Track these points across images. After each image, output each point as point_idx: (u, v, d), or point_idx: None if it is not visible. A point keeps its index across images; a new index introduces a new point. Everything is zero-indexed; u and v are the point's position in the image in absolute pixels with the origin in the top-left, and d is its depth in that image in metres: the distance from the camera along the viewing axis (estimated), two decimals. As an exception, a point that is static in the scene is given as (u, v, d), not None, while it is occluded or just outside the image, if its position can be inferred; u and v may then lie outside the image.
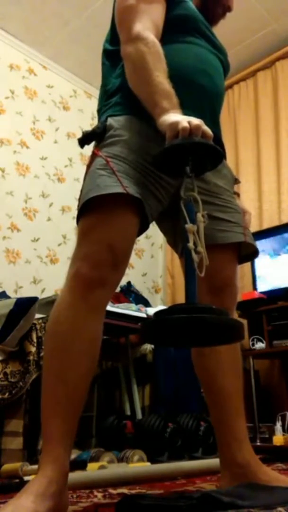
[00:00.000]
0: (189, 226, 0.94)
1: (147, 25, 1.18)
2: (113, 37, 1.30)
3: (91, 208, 1.09)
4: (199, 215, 0.96)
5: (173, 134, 0.98)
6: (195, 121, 0.97)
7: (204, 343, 1.03)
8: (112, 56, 1.29)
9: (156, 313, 0.93)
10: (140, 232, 1.14)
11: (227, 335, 0.92)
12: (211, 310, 0.89)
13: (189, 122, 0.96)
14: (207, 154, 0.99)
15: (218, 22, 1.45)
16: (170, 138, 0.98)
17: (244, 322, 2.87)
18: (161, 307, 3.34)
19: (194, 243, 0.93)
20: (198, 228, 0.95)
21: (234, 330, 0.90)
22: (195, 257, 0.92)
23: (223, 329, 0.89)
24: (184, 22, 1.28)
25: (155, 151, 1.03)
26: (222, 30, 1.46)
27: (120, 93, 1.22)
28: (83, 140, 1.19)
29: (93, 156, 1.16)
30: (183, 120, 0.97)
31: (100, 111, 1.27)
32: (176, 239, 1.30)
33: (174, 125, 0.98)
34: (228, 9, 1.43)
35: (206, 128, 0.98)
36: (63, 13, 3.37)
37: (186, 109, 1.06)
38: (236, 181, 1.37)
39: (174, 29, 1.25)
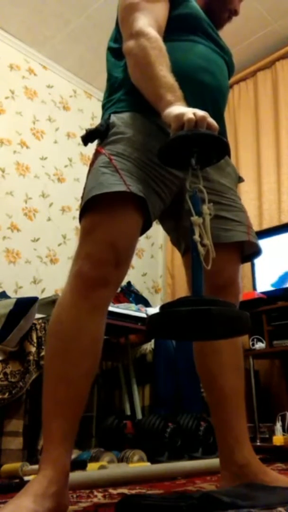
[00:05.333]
0: (194, 218, 0.94)
1: (149, 22, 1.18)
2: (118, 36, 1.30)
3: (94, 207, 1.09)
4: (204, 207, 0.96)
5: (178, 125, 0.97)
6: (200, 112, 0.97)
7: (211, 336, 1.02)
8: (117, 53, 1.29)
9: (163, 306, 0.92)
10: (143, 231, 1.14)
11: (234, 327, 0.91)
12: (218, 302, 0.89)
13: (194, 114, 0.96)
14: (213, 146, 0.99)
15: (224, 26, 1.45)
16: (175, 129, 0.98)
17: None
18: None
19: (200, 236, 0.93)
20: (204, 220, 0.95)
21: (241, 321, 0.89)
22: (201, 249, 0.92)
23: (230, 320, 0.88)
24: (187, 21, 1.28)
25: (158, 149, 1.02)
26: (222, 30, 1.45)
27: (123, 89, 1.22)
28: (86, 138, 1.18)
29: (97, 153, 1.16)
30: (189, 111, 0.97)
31: (104, 107, 1.27)
32: (179, 237, 1.30)
33: (180, 116, 0.97)
34: (235, 13, 1.42)
35: (211, 120, 0.98)
36: (63, 13, 3.37)
37: (189, 106, 1.06)
38: (240, 179, 1.37)
39: (177, 28, 1.25)
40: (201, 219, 0.94)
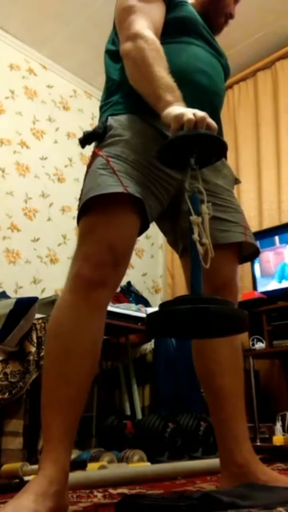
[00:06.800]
0: (194, 218, 0.94)
1: (146, 24, 1.18)
2: (115, 38, 1.30)
3: (92, 208, 1.09)
4: (203, 207, 0.96)
5: (178, 126, 0.98)
6: (200, 113, 0.98)
7: (209, 334, 1.03)
8: (114, 55, 1.29)
9: (161, 304, 0.92)
10: (140, 232, 1.14)
11: (232, 325, 0.92)
12: (216, 300, 0.89)
13: (194, 114, 0.97)
14: (212, 146, 0.99)
15: (222, 30, 1.45)
16: (175, 130, 0.98)
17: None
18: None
19: (199, 235, 0.93)
20: (203, 219, 0.95)
21: (239, 320, 0.90)
22: (200, 249, 0.92)
23: (229, 319, 0.89)
24: (183, 23, 1.28)
25: (155, 151, 1.03)
26: (222, 31, 1.46)
27: (121, 91, 1.23)
28: (84, 140, 1.19)
29: (94, 155, 1.16)
30: (188, 112, 0.98)
31: (101, 109, 1.28)
32: (177, 239, 1.30)
33: (179, 117, 0.98)
34: (230, 16, 1.43)
35: (210, 120, 0.99)
36: (63, 13, 3.37)
37: (187, 107, 1.06)
38: (237, 181, 1.37)
39: (173, 30, 1.26)
40: (200, 219, 0.95)
